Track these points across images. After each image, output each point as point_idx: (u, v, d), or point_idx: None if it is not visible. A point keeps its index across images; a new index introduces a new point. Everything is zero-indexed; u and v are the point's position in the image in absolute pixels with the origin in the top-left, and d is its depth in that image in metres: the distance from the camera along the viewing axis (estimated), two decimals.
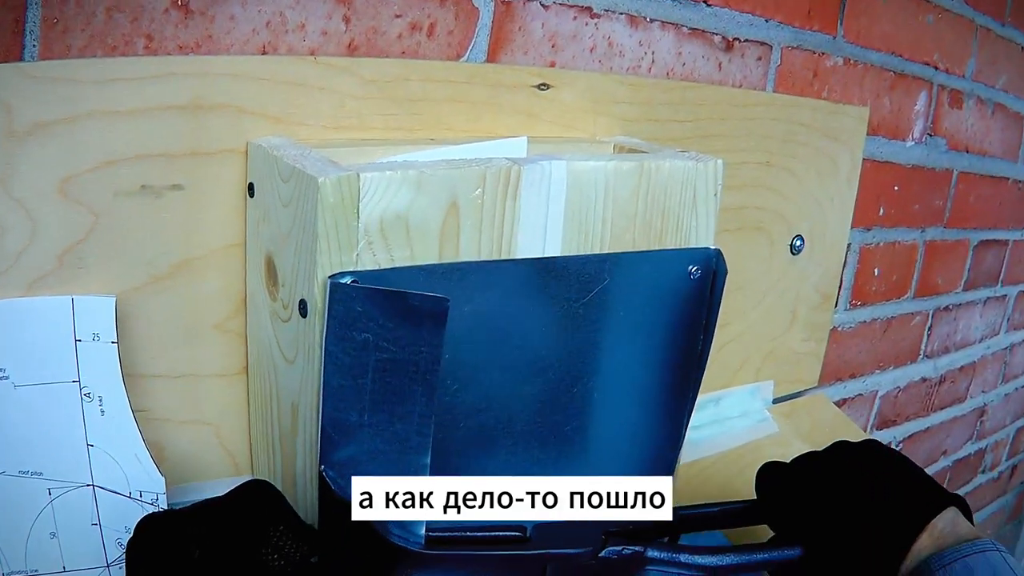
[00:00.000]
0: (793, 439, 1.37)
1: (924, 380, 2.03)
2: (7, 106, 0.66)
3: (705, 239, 0.88)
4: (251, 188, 0.76)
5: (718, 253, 0.87)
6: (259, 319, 0.78)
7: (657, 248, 0.84)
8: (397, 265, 0.68)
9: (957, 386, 2.20)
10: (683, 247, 0.86)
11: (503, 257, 0.74)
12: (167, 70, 0.73)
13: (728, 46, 1.18)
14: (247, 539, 0.69)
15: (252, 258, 0.78)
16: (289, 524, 0.71)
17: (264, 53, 0.80)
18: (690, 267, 0.86)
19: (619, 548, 0.76)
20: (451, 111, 0.89)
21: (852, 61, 1.42)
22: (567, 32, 1.00)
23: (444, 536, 0.74)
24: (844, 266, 1.53)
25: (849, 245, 1.53)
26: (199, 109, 0.74)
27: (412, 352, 0.66)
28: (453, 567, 0.73)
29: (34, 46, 0.69)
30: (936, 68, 1.64)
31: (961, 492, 2.36)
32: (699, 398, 0.96)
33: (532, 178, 0.73)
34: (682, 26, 1.12)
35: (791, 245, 1.31)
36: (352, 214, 0.65)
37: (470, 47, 0.92)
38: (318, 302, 0.66)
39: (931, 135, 1.69)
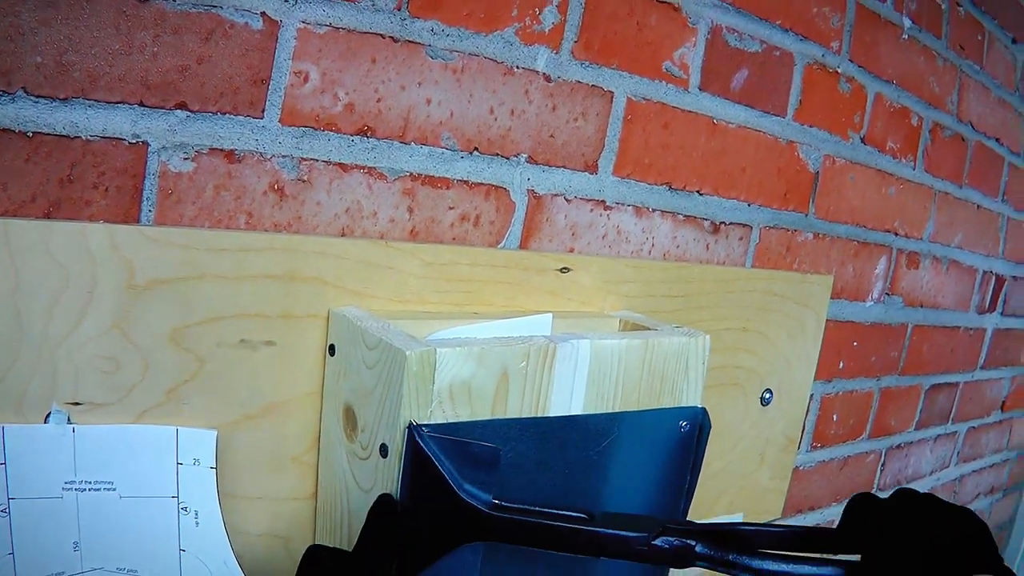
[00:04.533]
0: None
1: None
2: (129, 263, 0.76)
3: (694, 399, 1.01)
4: (331, 348, 0.88)
5: (704, 412, 1.00)
6: (333, 455, 0.89)
7: (656, 406, 0.97)
8: (460, 420, 0.81)
9: None
10: (676, 406, 0.99)
11: (539, 414, 0.86)
12: (267, 245, 0.84)
13: (715, 229, 1.33)
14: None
15: (329, 405, 0.89)
16: None
17: (343, 235, 0.92)
18: (681, 422, 0.99)
19: (671, 539, 0.79)
20: (492, 290, 1.01)
21: (821, 235, 1.56)
22: (584, 222, 1.14)
23: (510, 506, 0.81)
24: (807, 413, 1.63)
25: (812, 395, 1.65)
26: (291, 280, 0.85)
27: (471, 485, 0.79)
28: (514, 535, 0.80)
29: (150, 211, 0.80)
30: (896, 234, 1.78)
31: None
32: None
33: (564, 353, 0.87)
34: (678, 214, 1.26)
35: (761, 397, 1.43)
36: (429, 380, 0.78)
37: (507, 235, 1.06)
38: (399, 446, 0.78)
39: (889, 294, 1.82)
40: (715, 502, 1.43)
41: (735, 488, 1.46)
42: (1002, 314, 2.44)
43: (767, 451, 1.50)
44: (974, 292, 2.23)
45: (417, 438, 0.77)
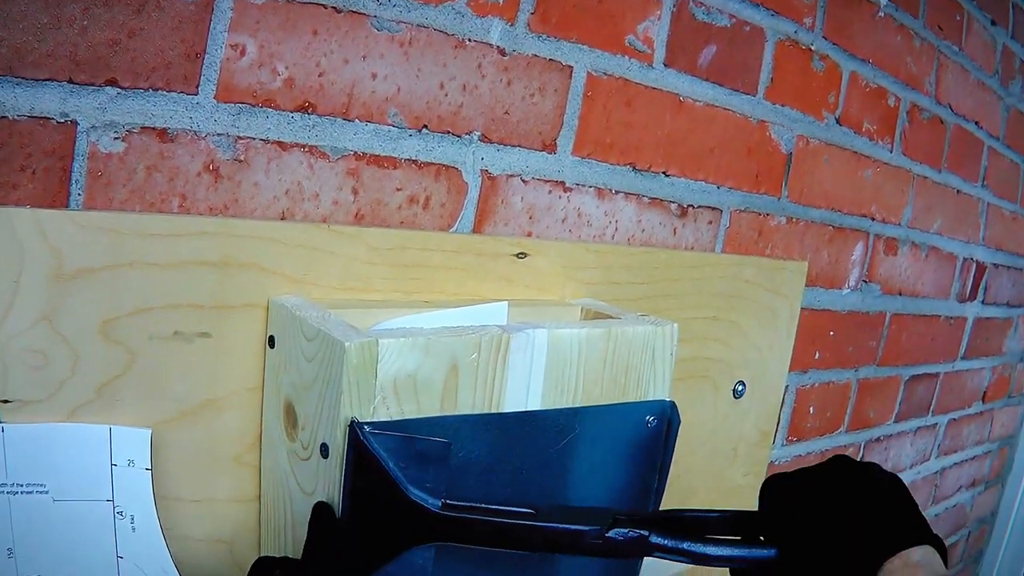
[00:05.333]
0: None
1: None
2: (57, 251, 0.74)
3: (662, 392, 0.99)
4: (271, 340, 0.86)
5: (672, 405, 0.99)
6: (274, 455, 0.87)
7: (620, 400, 0.95)
8: (406, 417, 0.78)
9: None
10: (642, 399, 0.97)
11: (493, 410, 0.84)
12: (199, 229, 0.82)
13: (683, 212, 1.31)
14: None
15: (270, 401, 0.87)
16: None
17: (283, 218, 0.90)
18: (648, 417, 0.97)
19: (625, 531, 0.79)
20: (443, 277, 0.99)
21: (794, 220, 1.55)
22: (543, 205, 1.12)
23: (460, 505, 0.80)
24: (781, 406, 1.63)
25: (786, 387, 1.64)
26: (226, 266, 0.83)
27: (418, 487, 0.77)
28: (465, 535, 0.80)
29: (79, 195, 0.78)
30: (873, 219, 1.78)
31: None
32: None
33: (519, 343, 0.85)
34: (643, 196, 1.24)
35: (733, 390, 1.43)
36: (371, 373, 0.75)
37: (459, 218, 1.04)
38: (340, 446, 0.75)
39: (866, 282, 1.82)
40: (686, 501, 1.41)
41: (707, 486, 1.45)
42: (983, 302, 2.45)
43: (740, 446, 1.50)
44: (954, 280, 2.25)
45: (360, 436, 0.75)
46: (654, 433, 0.98)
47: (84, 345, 0.78)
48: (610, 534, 0.79)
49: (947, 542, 2.71)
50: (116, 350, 0.79)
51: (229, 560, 0.91)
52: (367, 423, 0.76)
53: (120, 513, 0.81)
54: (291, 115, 0.89)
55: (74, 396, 0.78)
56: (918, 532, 0.75)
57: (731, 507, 1.50)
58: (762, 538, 0.82)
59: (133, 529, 0.82)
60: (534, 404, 0.88)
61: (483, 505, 0.80)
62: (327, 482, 0.78)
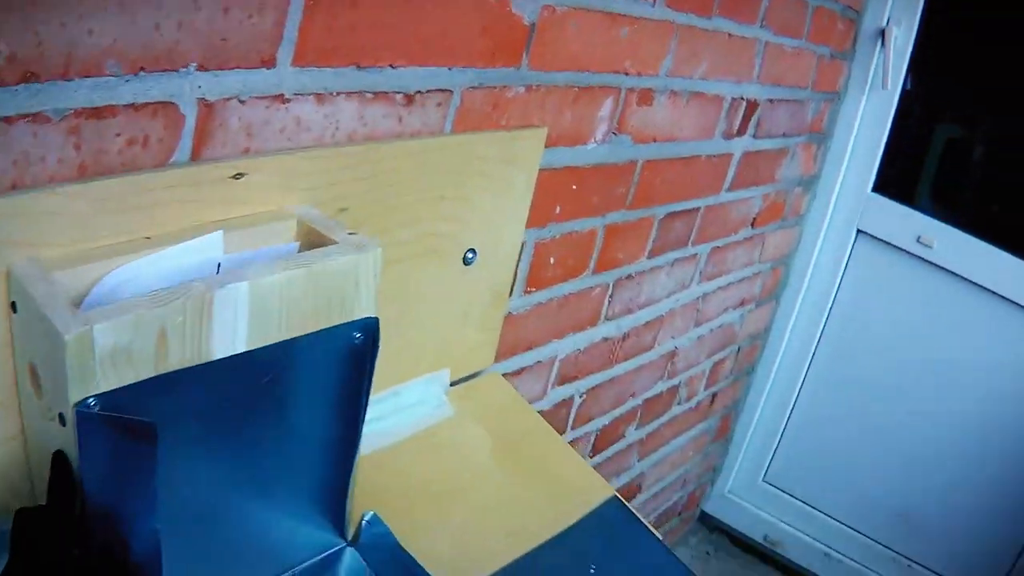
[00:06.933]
0: (467, 420, 1.71)
1: (606, 339, 2.42)
2: None
3: (367, 311, 1.18)
4: (14, 305, 0.99)
5: (376, 321, 1.19)
6: (30, 406, 1.02)
7: (326, 326, 1.14)
8: (125, 383, 0.93)
9: (642, 339, 2.62)
10: (349, 320, 1.16)
11: (203, 360, 1.01)
12: None
13: (408, 101, 1.47)
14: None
15: (19, 360, 1.01)
16: None
17: (13, 187, 1.02)
18: (355, 333, 1.17)
19: None
20: (163, 212, 1.13)
21: (535, 87, 1.72)
22: (260, 120, 1.25)
23: None
24: (518, 263, 1.85)
25: (523, 243, 1.85)
26: None
27: (134, 457, 0.94)
28: None
29: None
30: (626, 74, 1.98)
31: (658, 422, 2.98)
32: (378, 393, 1.34)
33: (222, 300, 1.01)
34: (366, 92, 1.39)
35: (463, 258, 1.63)
36: (90, 355, 0.89)
37: (177, 150, 1.17)
38: (71, 417, 0.90)
39: (615, 134, 2.04)
40: (417, 363, 1.66)
41: (436, 350, 1.69)
42: (754, 136, 2.71)
43: (471, 310, 1.72)
44: (720, 120, 2.48)
45: (84, 418, 0.92)
46: (361, 347, 1.18)
47: None
48: None
49: (716, 358, 3.13)
50: None
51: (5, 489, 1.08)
52: (92, 396, 0.92)
53: None
54: (15, 88, 1.01)
55: None
56: None
57: (466, 365, 1.77)
58: None
59: None
60: (240, 348, 1.05)
61: None
62: (68, 445, 0.93)
